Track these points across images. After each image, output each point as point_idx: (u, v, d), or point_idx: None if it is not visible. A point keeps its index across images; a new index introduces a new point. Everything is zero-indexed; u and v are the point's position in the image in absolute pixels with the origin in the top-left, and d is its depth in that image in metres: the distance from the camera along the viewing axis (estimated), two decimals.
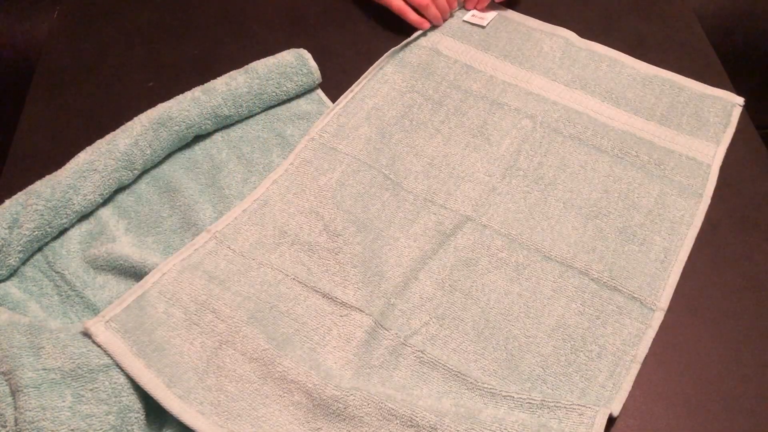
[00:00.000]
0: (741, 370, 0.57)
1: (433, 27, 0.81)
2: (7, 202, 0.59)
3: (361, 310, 0.58)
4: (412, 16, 0.78)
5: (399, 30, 0.79)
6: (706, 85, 0.77)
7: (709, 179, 0.68)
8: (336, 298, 0.59)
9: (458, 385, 0.55)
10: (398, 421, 0.51)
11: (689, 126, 0.73)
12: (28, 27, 1.01)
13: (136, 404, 0.51)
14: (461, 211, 0.65)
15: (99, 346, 0.53)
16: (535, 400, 0.53)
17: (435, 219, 0.65)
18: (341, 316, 0.58)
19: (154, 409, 0.53)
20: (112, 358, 0.52)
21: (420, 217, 0.65)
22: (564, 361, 0.56)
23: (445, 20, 0.82)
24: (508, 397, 0.54)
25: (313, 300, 0.59)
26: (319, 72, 0.74)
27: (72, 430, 0.48)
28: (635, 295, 0.60)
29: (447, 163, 0.69)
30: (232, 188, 0.67)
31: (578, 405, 0.52)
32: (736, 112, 0.74)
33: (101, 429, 0.49)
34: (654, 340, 0.59)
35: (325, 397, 0.52)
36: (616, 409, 0.54)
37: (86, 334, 0.53)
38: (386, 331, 0.57)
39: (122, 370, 0.52)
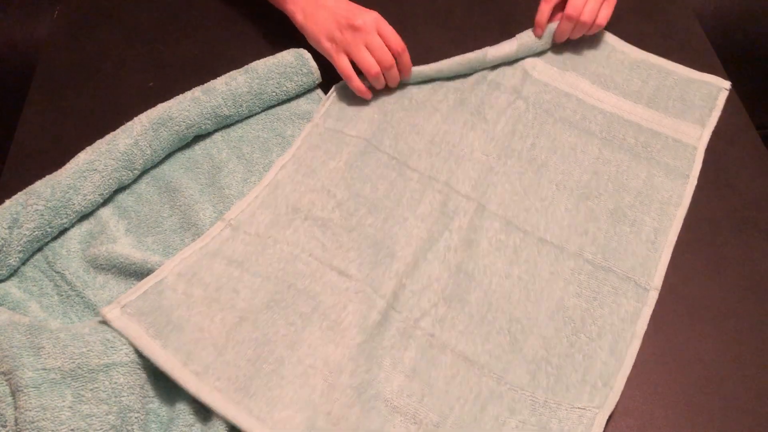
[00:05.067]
0: (741, 370, 0.57)
1: None
2: (7, 202, 0.59)
3: (374, 290, 0.59)
4: (356, 83, 0.71)
5: (398, 28, 0.79)
6: (693, 70, 0.78)
7: (695, 161, 0.70)
8: (351, 276, 0.60)
9: (465, 370, 0.56)
10: (402, 417, 0.53)
11: (675, 109, 0.74)
12: (28, 27, 1.01)
13: (136, 404, 0.51)
14: (462, 192, 0.67)
15: (117, 331, 0.53)
16: (538, 399, 0.54)
17: (440, 198, 0.66)
18: (356, 293, 0.59)
19: (166, 402, 0.53)
20: (129, 342, 0.53)
21: (425, 197, 0.66)
22: (566, 343, 0.58)
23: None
24: (513, 390, 0.55)
25: (329, 277, 0.60)
26: (318, 72, 0.74)
27: (72, 430, 0.48)
28: (629, 276, 0.62)
29: (447, 141, 0.71)
30: (232, 188, 0.67)
31: (578, 407, 0.53)
32: (723, 96, 0.75)
33: (101, 429, 0.49)
34: (654, 339, 0.59)
35: (338, 384, 0.53)
36: (619, 385, 0.55)
37: (103, 321, 0.54)
38: (398, 313, 0.59)
39: (138, 354, 0.52)
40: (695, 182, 0.68)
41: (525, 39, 0.77)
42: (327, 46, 0.72)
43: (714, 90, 0.76)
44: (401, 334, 0.58)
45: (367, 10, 0.71)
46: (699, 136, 0.72)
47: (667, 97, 0.75)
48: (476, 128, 0.72)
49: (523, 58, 0.78)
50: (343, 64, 0.71)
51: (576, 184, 0.68)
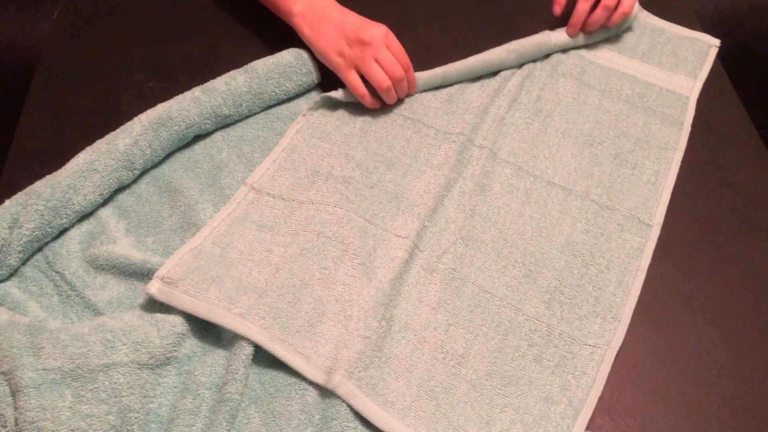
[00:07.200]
0: (741, 370, 0.57)
1: None
2: (7, 202, 0.59)
3: (398, 235, 0.62)
4: (369, 101, 0.71)
5: (398, 28, 0.79)
6: (684, 28, 0.83)
7: (688, 109, 0.75)
8: (377, 224, 0.64)
9: (486, 301, 0.60)
10: (430, 346, 0.57)
11: (668, 63, 0.80)
12: (28, 27, 1.01)
13: (136, 404, 0.51)
14: (476, 142, 0.71)
15: (163, 302, 0.56)
16: (553, 331, 0.58)
17: (455, 147, 0.69)
18: (384, 240, 0.62)
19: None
20: (177, 310, 0.56)
21: (441, 149, 0.70)
22: (577, 274, 0.62)
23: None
24: (530, 321, 0.59)
25: (355, 222, 0.63)
26: (318, 71, 0.74)
27: (72, 430, 0.48)
28: (633, 213, 0.66)
29: (463, 99, 0.75)
30: (232, 188, 0.66)
31: (590, 345, 0.58)
32: (713, 52, 0.81)
33: (101, 429, 0.49)
34: (654, 339, 0.59)
35: (374, 315, 0.57)
36: (626, 318, 0.59)
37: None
38: (421, 252, 0.63)
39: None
40: (689, 129, 0.73)
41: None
42: (337, 62, 0.71)
43: (704, 46, 0.81)
44: (425, 270, 0.62)
45: (375, 23, 0.70)
46: (691, 86, 0.77)
47: (660, 52, 0.81)
48: (490, 86, 0.76)
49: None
50: (354, 81, 0.70)
51: (579, 132, 0.73)
